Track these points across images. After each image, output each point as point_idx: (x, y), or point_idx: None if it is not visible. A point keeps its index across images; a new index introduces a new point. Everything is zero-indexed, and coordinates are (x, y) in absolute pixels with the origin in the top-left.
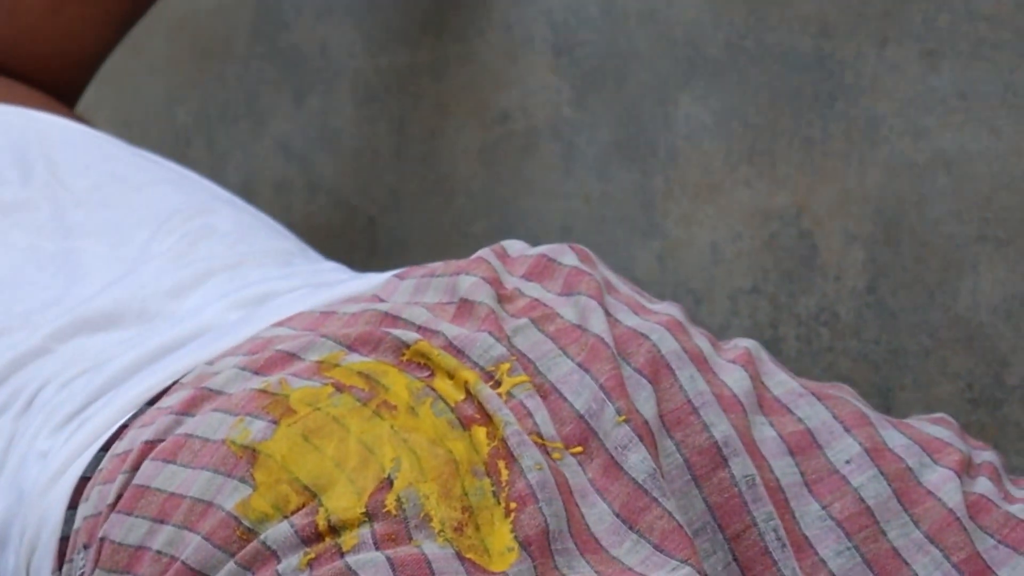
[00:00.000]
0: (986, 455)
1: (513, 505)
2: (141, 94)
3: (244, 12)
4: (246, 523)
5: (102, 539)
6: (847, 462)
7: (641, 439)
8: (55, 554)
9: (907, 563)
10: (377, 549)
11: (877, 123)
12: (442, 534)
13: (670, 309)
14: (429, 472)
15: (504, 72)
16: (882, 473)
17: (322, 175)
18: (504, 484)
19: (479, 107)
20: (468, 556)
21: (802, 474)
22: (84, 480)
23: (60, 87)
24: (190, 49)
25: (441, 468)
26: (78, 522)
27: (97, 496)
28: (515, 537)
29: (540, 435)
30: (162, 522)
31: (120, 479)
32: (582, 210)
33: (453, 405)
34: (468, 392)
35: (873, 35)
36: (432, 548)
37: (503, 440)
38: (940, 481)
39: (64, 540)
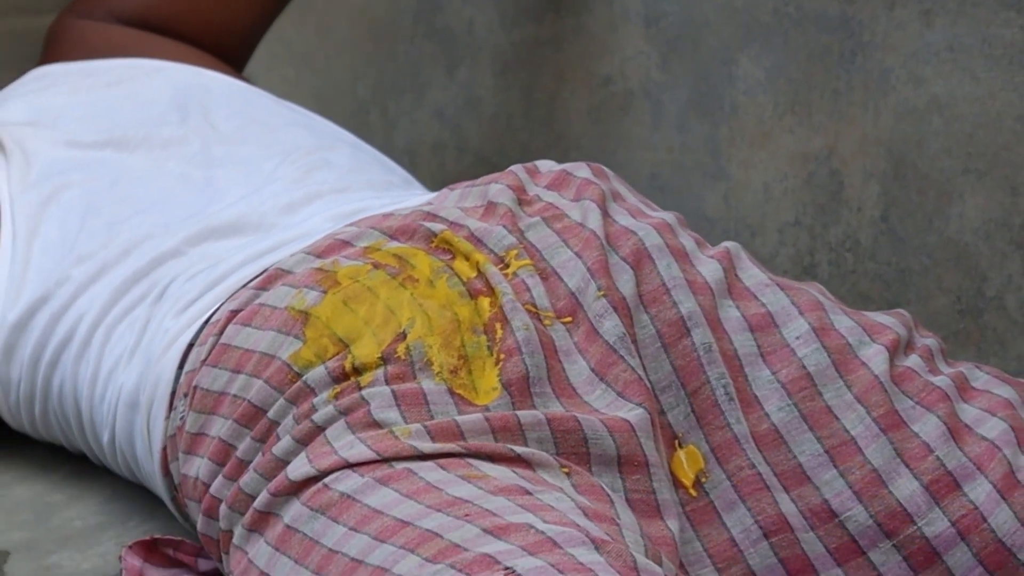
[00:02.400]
0: (927, 340)
1: (502, 356)
2: (330, 71)
3: None
4: (295, 369)
5: (195, 387)
6: (797, 338)
7: (616, 310)
8: (167, 405)
9: (837, 418)
10: (387, 384)
11: (887, 74)
12: (439, 375)
13: (665, 215)
14: (436, 328)
15: (607, 42)
16: (824, 347)
17: (468, 137)
18: (497, 340)
19: (588, 73)
20: (458, 392)
21: (759, 347)
22: (190, 347)
23: (226, 51)
24: (368, 32)
25: (446, 326)
26: (182, 377)
27: (195, 355)
28: (500, 380)
29: (535, 305)
30: (238, 372)
31: (211, 340)
32: (667, 159)
33: (465, 280)
34: (479, 271)
35: None
36: (429, 384)
37: (501, 308)
38: (872, 354)
39: (173, 394)
